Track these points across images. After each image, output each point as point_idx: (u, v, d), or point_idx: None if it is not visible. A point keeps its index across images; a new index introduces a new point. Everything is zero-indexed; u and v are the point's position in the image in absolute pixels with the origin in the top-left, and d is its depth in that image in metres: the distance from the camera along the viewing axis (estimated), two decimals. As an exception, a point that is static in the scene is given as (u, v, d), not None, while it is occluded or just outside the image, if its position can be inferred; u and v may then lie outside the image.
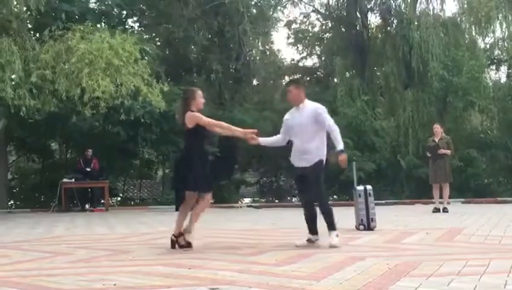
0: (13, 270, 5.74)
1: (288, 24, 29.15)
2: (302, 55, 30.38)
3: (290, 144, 7.38)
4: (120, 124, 19.40)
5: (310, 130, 7.09)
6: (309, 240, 7.14)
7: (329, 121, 7.14)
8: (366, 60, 24.05)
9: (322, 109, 7.24)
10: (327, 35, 29.20)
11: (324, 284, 4.55)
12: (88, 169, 18.04)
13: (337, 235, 7.09)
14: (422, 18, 22.61)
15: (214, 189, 7.69)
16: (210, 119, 7.18)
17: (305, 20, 29.40)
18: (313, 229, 7.20)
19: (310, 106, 7.27)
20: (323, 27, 29.20)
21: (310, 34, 30.02)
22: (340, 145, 7.06)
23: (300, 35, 30.02)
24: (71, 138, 20.73)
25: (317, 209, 7.21)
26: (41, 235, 10.01)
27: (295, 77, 29.85)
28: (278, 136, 7.61)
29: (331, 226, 7.13)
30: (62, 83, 14.35)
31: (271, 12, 24.67)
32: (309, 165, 7.07)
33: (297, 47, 30.25)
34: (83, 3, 19.62)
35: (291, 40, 29.97)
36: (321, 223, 7.22)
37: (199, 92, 7.31)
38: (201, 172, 7.09)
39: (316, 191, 7.14)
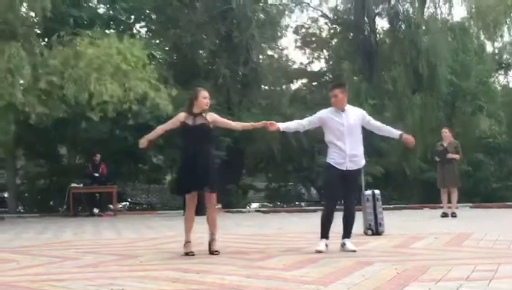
0: (22, 275, 5.75)
1: (296, 29, 29.21)
2: (310, 59, 30.44)
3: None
4: (128, 129, 19.44)
5: (358, 134, 7.19)
6: (327, 245, 7.07)
7: (380, 123, 7.42)
8: (373, 64, 24.04)
9: (366, 114, 7.39)
10: (335, 40, 29.23)
11: (332, 289, 4.54)
12: (96, 174, 18.07)
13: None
14: (430, 22, 22.60)
15: (220, 193, 7.67)
16: (165, 124, 7.36)
17: (313, 24, 29.47)
18: (328, 233, 7.16)
19: (356, 110, 7.35)
20: (331, 32, 29.23)
21: (318, 39, 30.04)
22: (399, 131, 7.38)
23: (307, 40, 30.05)
24: (79, 143, 20.77)
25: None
26: (49, 240, 10.03)
27: (304, 80, 29.91)
28: (300, 122, 7.59)
29: (350, 233, 7.27)
30: (70, 88, 14.37)
31: (279, 17, 24.66)
32: (357, 167, 7.16)
33: (305, 51, 30.29)
34: (92, 8, 19.70)
35: (299, 45, 30.01)
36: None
37: (202, 92, 7.22)
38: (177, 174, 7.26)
39: (356, 194, 7.34)
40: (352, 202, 7.29)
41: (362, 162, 7.21)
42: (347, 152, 7.03)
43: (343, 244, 7.12)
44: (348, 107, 7.27)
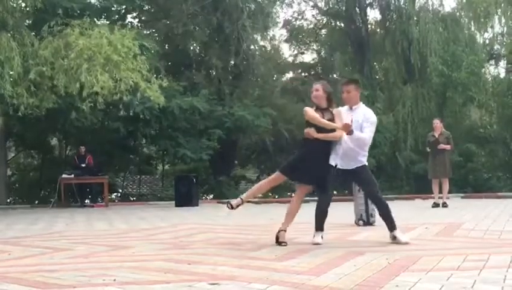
0: (13, 266, 5.74)
1: (288, 20, 29.10)
2: (301, 50, 30.36)
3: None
4: (119, 119, 19.38)
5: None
6: (322, 237, 7.01)
7: (367, 134, 6.97)
8: (365, 55, 24.06)
9: (370, 120, 7.03)
10: (327, 31, 29.20)
11: (324, 279, 4.56)
12: (83, 165, 17.97)
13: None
14: (422, 13, 22.64)
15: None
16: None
17: (305, 14, 29.39)
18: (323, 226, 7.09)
19: (363, 111, 7.07)
20: (323, 22, 29.17)
21: (310, 30, 29.98)
22: (354, 134, 6.82)
23: (299, 30, 29.94)
24: (70, 134, 20.69)
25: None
26: (41, 231, 10.01)
27: (297, 72, 29.88)
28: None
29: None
30: (61, 79, 14.29)
31: (270, 8, 24.58)
32: (349, 168, 6.99)
33: (297, 43, 30.18)
34: (83, -2, 19.56)
35: (290, 36, 29.90)
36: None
37: (313, 86, 7.12)
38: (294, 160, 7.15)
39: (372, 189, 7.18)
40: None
41: (357, 162, 7.00)
42: (339, 152, 6.89)
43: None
44: (357, 106, 7.07)
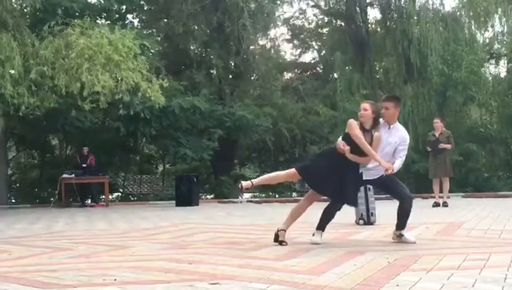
0: (14, 265, 5.74)
1: (288, 19, 29.13)
2: (301, 50, 30.39)
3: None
4: (120, 119, 19.40)
5: (388, 152, 6.87)
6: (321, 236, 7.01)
7: (402, 159, 6.95)
8: (365, 54, 24.06)
9: (406, 144, 6.97)
10: (327, 30, 29.23)
11: (324, 279, 4.56)
12: (84, 165, 17.98)
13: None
14: (422, 13, 22.64)
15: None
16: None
17: (305, 14, 29.43)
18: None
19: (400, 132, 6.95)
20: (323, 22, 29.20)
21: (310, 29, 30.02)
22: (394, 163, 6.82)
23: (299, 30, 29.99)
24: (71, 134, 20.71)
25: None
26: (41, 230, 10.01)
27: (297, 72, 29.91)
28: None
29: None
30: (62, 78, 14.29)
31: (270, 7, 24.60)
32: (372, 178, 7.03)
33: (297, 43, 30.22)
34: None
35: (290, 36, 29.94)
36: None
37: (361, 104, 6.83)
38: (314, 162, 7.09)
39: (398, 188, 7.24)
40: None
41: (379, 173, 6.94)
42: (367, 165, 6.85)
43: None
44: (395, 126, 6.95)
